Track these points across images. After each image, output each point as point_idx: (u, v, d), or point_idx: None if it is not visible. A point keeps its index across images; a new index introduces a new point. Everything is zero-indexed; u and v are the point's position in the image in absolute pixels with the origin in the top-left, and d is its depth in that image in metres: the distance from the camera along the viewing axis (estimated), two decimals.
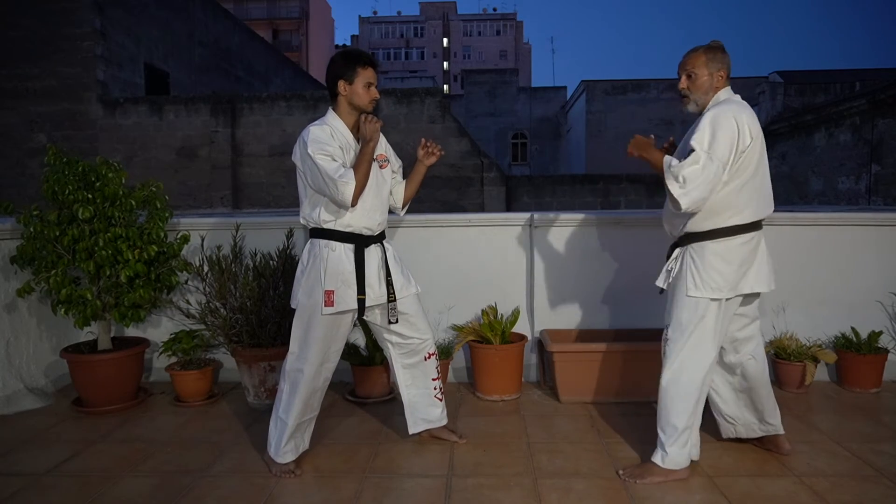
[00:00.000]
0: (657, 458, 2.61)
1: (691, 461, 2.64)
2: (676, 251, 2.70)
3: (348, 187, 2.49)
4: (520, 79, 32.84)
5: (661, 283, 2.77)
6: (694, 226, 2.59)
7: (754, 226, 2.60)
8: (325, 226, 2.63)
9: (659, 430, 2.63)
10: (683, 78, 2.63)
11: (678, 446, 2.59)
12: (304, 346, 2.65)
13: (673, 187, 2.45)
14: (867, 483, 2.56)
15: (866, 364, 3.69)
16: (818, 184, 13.42)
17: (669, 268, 2.72)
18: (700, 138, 2.46)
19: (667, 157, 2.53)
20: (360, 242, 2.65)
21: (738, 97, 2.62)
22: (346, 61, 2.64)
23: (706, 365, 2.59)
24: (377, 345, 3.48)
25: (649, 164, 2.62)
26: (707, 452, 2.85)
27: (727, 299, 2.58)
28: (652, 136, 2.66)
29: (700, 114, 2.60)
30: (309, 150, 2.54)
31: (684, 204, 2.44)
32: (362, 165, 2.56)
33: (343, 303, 2.61)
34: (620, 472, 2.66)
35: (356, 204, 2.56)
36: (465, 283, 3.99)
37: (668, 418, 2.60)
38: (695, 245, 2.60)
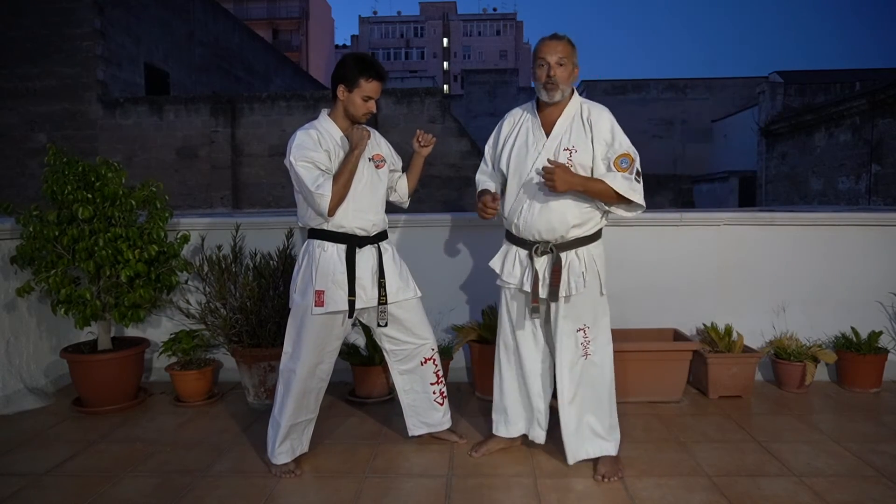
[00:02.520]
0: (612, 449, 2.66)
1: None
2: (563, 256, 2.58)
3: (324, 200, 2.51)
4: (520, 79, 32.75)
5: (563, 292, 2.57)
6: (582, 230, 2.60)
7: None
8: (318, 226, 2.63)
9: (608, 425, 2.67)
10: (554, 65, 2.49)
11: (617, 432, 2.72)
12: (298, 345, 2.65)
13: (636, 196, 2.54)
14: (867, 483, 2.57)
15: (866, 364, 3.69)
16: (818, 184, 13.42)
17: (543, 274, 2.59)
18: (622, 141, 2.55)
19: (609, 175, 2.51)
20: (352, 243, 2.64)
21: None
22: (354, 68, 2.59)
23: None
24: (377, 345, 3.48)
25: (586, 193, 2.53)
26: (707, 452, 2.86)
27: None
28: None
29: (554, 104, 2.57)
30: (291, 158, 2.55)
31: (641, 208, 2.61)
32: (343, 175, 2.55)
33: (333, 303, 2.60)
34: (599, 477, 2.60)
35: (333, 214, 2.56)
36: (465, 282, 3.99)
37: (613, 411, 2.69)
38: (590, 247, 2.63)
